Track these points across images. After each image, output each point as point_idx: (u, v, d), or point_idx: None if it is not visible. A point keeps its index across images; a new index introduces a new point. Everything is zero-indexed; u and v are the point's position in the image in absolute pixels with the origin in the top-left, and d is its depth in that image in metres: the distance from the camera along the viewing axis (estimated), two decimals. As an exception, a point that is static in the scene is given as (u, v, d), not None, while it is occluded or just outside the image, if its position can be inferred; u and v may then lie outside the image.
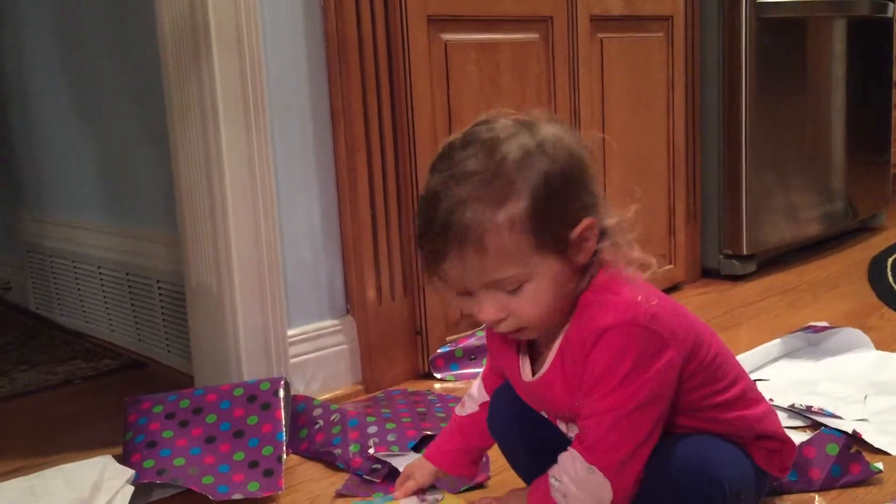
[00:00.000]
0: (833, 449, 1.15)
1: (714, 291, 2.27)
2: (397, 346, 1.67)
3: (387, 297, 1.64)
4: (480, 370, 1.13)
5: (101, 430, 1.47)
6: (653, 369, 0.86)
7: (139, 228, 1.91)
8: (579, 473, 0.88)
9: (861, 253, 2.59)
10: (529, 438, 1.05)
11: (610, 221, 0.89)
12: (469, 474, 1.13)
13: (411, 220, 1.65)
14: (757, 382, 1.50)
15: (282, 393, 1.35)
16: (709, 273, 2.40)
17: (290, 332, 1.55)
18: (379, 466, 1.25)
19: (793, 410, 1.36)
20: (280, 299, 1.52)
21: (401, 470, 1.17)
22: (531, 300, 0.87)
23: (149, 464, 1.25)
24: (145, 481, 1.22)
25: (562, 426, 0.99)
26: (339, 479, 1.26)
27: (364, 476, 1.25)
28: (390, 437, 1.31)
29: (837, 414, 1.33)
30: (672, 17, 2.19)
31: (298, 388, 1.55)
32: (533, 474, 1.05)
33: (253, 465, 1.26)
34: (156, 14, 1.47)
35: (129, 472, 1.21)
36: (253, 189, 1.46)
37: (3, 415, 1.64)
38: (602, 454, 0.87)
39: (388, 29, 1.59)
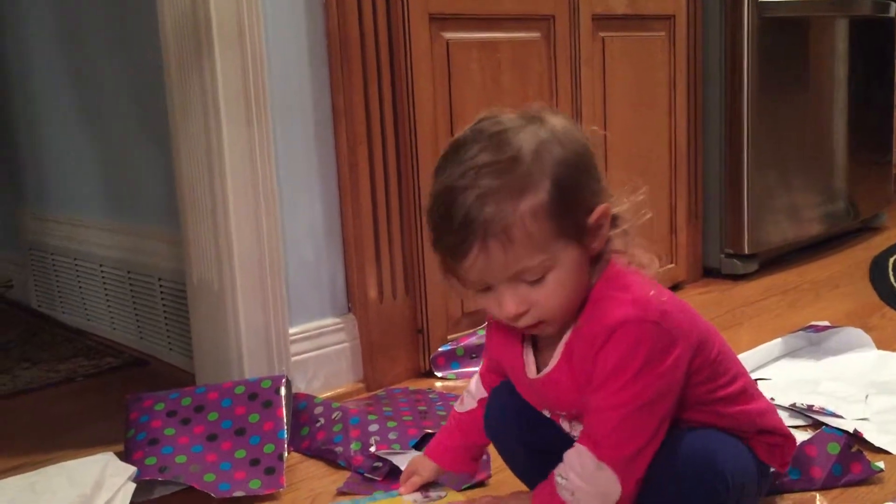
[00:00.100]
0: (834, 448, 1.15)
1: (715, 291, 2.27)
2: (398, 344, 1.67)
3: (388, 296, 1.64)
4: (481, 368, 1.13)
5: (102, 427, 1.47)
6: (663, 366, 0.86)
7: (141, 226, 1.91)
8: (587, 469, 0.88)
9: (862, 253, 2.59)
10: (527, 438, 1.04)
11: (621, 208, 0.90)
12: (469, 471, 1.14)
13: (413, 219, 1.65)
14: (758, 382, 1.50)
15: (283, 391, 1.35)
16: (710, 272, 2.40)
17: (291, 331, 1.55)
18: (380, 464, 1.25)
19: (794, 410, 1.36)
20: (281, 297, 1.52)
21: (402, 468, 1.17)
22: (553, 290, 0.87)
23: (150, 461, 1.25)
24: (147, 479, 1.22)
25: (565, 425, 0.99)
26: (340, 477, 1.27)
27: (365, 474, 1.25)
28: (391, 436, 1.31)
29: (838, 413, 1.33)
30: (674, 16, 2.19)
31: (300, 387, 1.55)
32: (532, 474, 1.05)
33: (254, 462, 1.26)
34: (158, 12, 1.47)
35: (131, 470, 1.22)
36: (254, 187, 1.46)
37: (4, 412, 1.64)
38: (611, 450, 0.87)
39: (389, 27, 1.59)
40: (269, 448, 1.28)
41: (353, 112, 1.56)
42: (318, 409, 1.40)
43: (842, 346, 1.65)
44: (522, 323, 0.89)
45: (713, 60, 2.31)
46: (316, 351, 1.59)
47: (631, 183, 0.91)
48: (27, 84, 2.24)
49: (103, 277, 2.05)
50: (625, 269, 0.91)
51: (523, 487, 1.11)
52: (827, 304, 2.06)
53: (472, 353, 1.70)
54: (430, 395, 1.55)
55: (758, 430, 0.97)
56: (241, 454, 1.28)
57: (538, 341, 0.96)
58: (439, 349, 1.69)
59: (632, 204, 0.91)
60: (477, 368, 1.37)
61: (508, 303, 0.87)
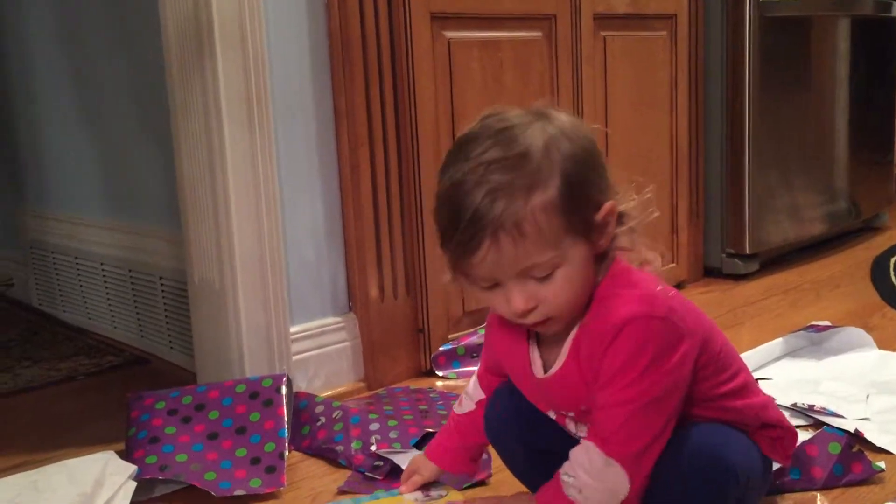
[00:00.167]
0: (835, 448, 1.15)
1: (716, 290, 2.27)
2: (399, 343, 1.67)
3: (389, 295, 1.65)
4: (481, 368, 1.13)
5: (103, 426, 1.47)
6: (671, 362, 0.86)
7: (142, 225, 1.91)
8: (596, 466, 0.88)
9: (864, 253, 2.59)
10: (528, 440, 1.04)
11: (627, 206, 0.90)
12: (469, 471, 1.14)
13: (414, 219, 1.65)
14: (759, 381, 1.50)
15: (284, 390, 1.35)
16: (711, 272, 2.39)
17: (292, 330, 1.55)
18: (381, 463, 1.25)
19: (795, 409, 1.36)
20: (283, 296, 1.52)
21: (403, 467, 1.17)
22: (562, 287, 0.86)
23: (151, 460, 1.25)
24: (147, 477, 1.22)
25: (570, 425, 0.98)
26: (340, 476, 1.27)
27: (366, 473, 1.25)
28: (392, 435, 1.31)
29: (839, 413, 1.33)
30: (676, 15, 2.19)
31: (301, 385, 1.55)
32: (533, 476, 1.05)
33: (255, 461, 1.26)
34: (160, 13, 1.47)
35: (132, 468, 1.22)
36: (256, 187, 1.46)
37: (5, 411, 1.64)
38: (620, 446, 0.87)
39: (391, 27, 1.59)
40: (269, 447, 1.28)
41: (355, 112, 1.56)
42: (319, 408, 1.40)
43: (843, 346, 1.64)
44: (530, 320, 0.88)
45: (715, 60, 2.31)
46: (317, 350, 1.59)
47: (637, 181, 0.91)
48: (28, 83, 2.24)
49: (104, 276, 2.05)
50: (628, 267, 0.91)
51: (524, 487, 1.11)
52: (828, 304, 2.06)
53: (472, 353, 1.70)
54: (431, 395, 1.55)
55: (761, 423, 0.97)
56: (241, 453, 1.28)
57: (542, 341, 0.96)
58: (440, 348, 1.69)
59: (638, 201, 0.91)
60: (477, 368, 1.37)
61: (517, 299, 0.86)
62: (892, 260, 2.45)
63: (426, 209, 1.65)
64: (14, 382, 1.78)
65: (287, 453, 1.29)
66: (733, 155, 2.32)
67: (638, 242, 0.91)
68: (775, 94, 2.35)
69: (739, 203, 2.33)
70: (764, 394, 1.01)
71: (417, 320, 1.69)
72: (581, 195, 0.86)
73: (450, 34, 1.68)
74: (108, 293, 2.05)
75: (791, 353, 1.66)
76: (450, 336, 1.72)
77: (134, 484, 1.19)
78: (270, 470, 1.25)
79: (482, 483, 1.21)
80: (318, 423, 1.38)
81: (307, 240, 1.58)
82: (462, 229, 0.84)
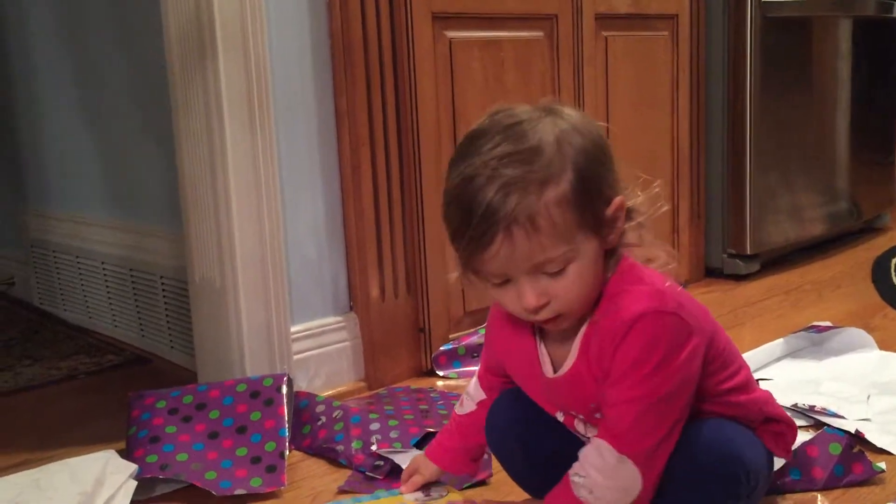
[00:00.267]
0: (836, 448, 1.15)
1: (717, 291, 2.26)
2: (400, 343, 1.67)
3: (390, 295, 1.65)
4: (482, 368, 1.13)
5: (104, 425, 1.47)
6: (682, 356, 0.86)
7: (143, 224, 1.91)
8: (608, 464, 0.87)
9: (865, 253, 2.58)
10: (531, 448, 1.04)
11: (635, 201, 0.90)
12: (469, 471, 1.14)
13: (415, 219, 1.65)
14: (760, 382, 1.50)
15: (285, 389, 1.35)
16: (712, 272, 2.39)
17: (293, 329, 1.55)
18: (381, 463, 1.25)
19: (796, 410, 1.36)
20: (283, 296, 1.52)
21: (403, 467, 1.17)
22: (573, 282, 0.86)
23: (152, 459, 1.25)
24: (148, 476, 1.22)
25: (579, 426, 0.98)
26: (341, 476, 1.27)
27: (366, 473, 1.25)
28: (393, 434, 1.31)
29: (840, 414, 1.33)
30: (677, 15, 2.19)
31: (301, 385, 1.55)
32: (535, 484, 1.05)
33: (255, 460, 1.26)
34: (161, 13, 1.47)
35: (132, 467, 1.22)
36: (257, 186, 1.46)
37: (6, 409, 1.64)
38: (632, 443, 0.87)
39: (392, 26, 1.59)
40: (270, 446, 1.28)
41: (356, 111, 1.56)
42: (320, 408, 1.40)
43: (844, 347, 1.64)
44: (541, 316, 0.88)
45: (716, 60, 2.31)
46: (317, 349, 1.59)
47: (643, 178, 0.91)
48: (29, 83, 2.24)
49: (105, 275, 2.05)
50: (636, 263, 0.91)
51: (524, 488, 1.11)
52: (829, 305, 2.06)
53: (473, 353, 1.70)
54: (432, 394, 1.55)
55: (764, 417, 0.98)
56: (242, 452, 1.28)
57: (547, 339, 0.95)
58: (441, 348, 1.69)
59: (646, 197, 0.90)
60: (478, 367, 1.37)
61: (529, 295, 0.86)
62: (893, 261, 2.45)
63: (427, 209, 1.65)
64: (15, 381, 1.78)
65: (287, 452, 1.29)
66: (734, 155, 2.32)
67: (646, 238, 0.90)
68: (777, 95, 2.35)
69: (740, 203, 2.33)
70: (762, 389, 1.01)
71: (418, 320, 1.69)
72: (593, 189, 0.85)
73: (451, 34, 1.68)
74: (108, 292, 2.05)
75: (792, 353, 1.66)
76: (451, 336, 1.72)
77: (134, 483, 1.19)
78: (271, 469, 1.25)
79: (483, 483, 1.21)
80: (319, 423, 1.38)
81: (308, 239, 1.58)
82: (475, 224, 0.83)
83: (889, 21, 2.80)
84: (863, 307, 2.02)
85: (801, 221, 2.51)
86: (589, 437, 0.96)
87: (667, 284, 0.89)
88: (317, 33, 1.55)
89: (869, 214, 2.84)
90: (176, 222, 1.63)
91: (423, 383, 1.64)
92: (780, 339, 1.67)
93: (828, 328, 1.70)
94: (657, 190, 0.91)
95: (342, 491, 1.22)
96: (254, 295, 1.48)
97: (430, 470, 1.11)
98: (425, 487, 1.12)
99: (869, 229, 2.90)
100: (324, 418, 1.38)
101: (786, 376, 1.55)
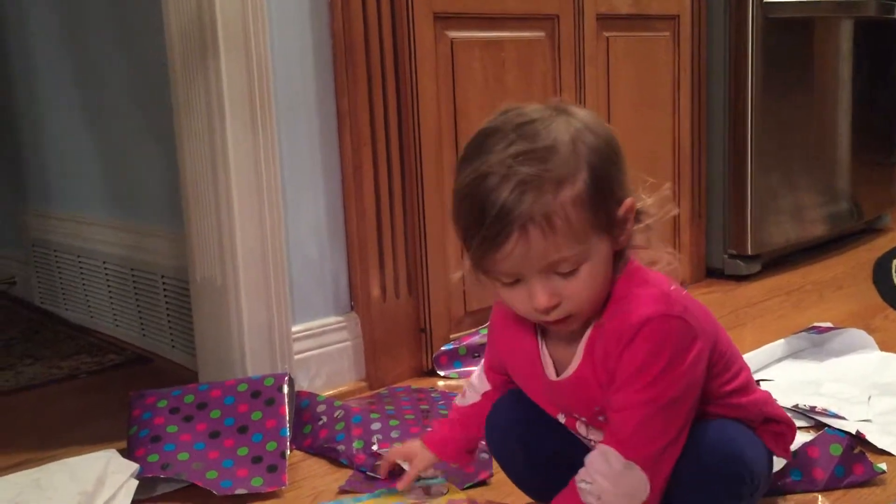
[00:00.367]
0: (836, 449, 1.15)
1: (718, 291, 2.26)
2: (401, 343, 1.67)
3: (391, 295, 1.65)
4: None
5: (105, 424, 1.47)
6: (687, 361, 0.86)
7: (144, 224, 1.91)
8: (615, 470, 0.87)
9: (866, 254, 2.58)
10: (531, 450, 1.03)
11: (644, 203, 0.89)
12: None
13: (416, 219, 1.65)
14: (761, 383, 1.50)
15: (286, 389, 1.35)
16: (713, 273, 2.39)
17: (294, 329, 1.55)
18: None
19: (796, 411, 1.36)
20: (285, 296, 1.52)
21: (404, 467, 1.17)
22: (585, 283, 0.85)
23: (153, 458, 1.25)
24: (149, 476, 1.22)
25: (581, 428, 0.97)
26: (342, 476, 1.27)
27: (367, 473, 1.25)
28: (394, 434, 1.31)
29: (841, 415, 1.33)
30: (679, 16, 2.19)
31: (302, 385, 1.55)
32: (536, 487, 1.05)
33: (257, 460, 1.27)
34: (163, 13, 1.47)
35: (134, 467, 1.22)
36: (258, 185, 1.47)
37: (8, 409, 1.64)
38: (638, 448, 0.86)
39: (394, 26, 1.59)
40: (271, 446, 1.28)
41: (358, 111, 1.56)
42: (321, 408, 1.41)
43: (844, 348, 1.64)
44: (552, 317, 0.87)
45: (717, 60, 2.31)
46: (319, 349, 1.59)
47: (653, 180, 0.90)
48: (30, 82, 2.24)
49: (106, 275, 2.05)
50: (641, 265, 0.91)
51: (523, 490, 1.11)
52: (830, 306, 2.06)
53: (474, 353, 1.70)
54: (433, 394, 1.55)
55: (765, 418, 0.98)
56: (243, 452, 1.28)
57: (550, 341, 0.95)
58: (442, 348, 1.69)
59: (656, 199, 0.90)
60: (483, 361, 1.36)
61: (540, 295, 0.85)
62: (894, 262, 2.45)
63: (428, 209, 1.65)
64: (16, 380, 1.78)
65: (288, 452, 1.29)
66: (736, 156, 2.32)
67: (653, 241, 0.90)
68: (778, 95, 2.35)
69: (741, 204, 2.33)
70: (761, 390, 1.01)
71: (419, 320, 1.69)
72: (606, 189, 0.85)
73: (452, 34, 1.68)
74: (110, 291, 2.05)
75: (793, 354, 1.66)
76: (452, 336, 1.72)
77: (136, 482, 1.20)
78: (272, 469, 1.25)
79: (483, 483, 1.21)
80: (320, 423, 1.38)
81: (309, 239, 1.58)
82: (489, 223, 0.82)
83: (890, 22, 2.79)
84: (864, 308, 2.02)
85: (802, 222, 2.50)
86: (591, 440, 0.96)
87: (672, 287, 0.89)
88: (318, 33, 1.55)
89: (870, 215, 2.84)
90: (177, 222, 1.63)
91: (424, 383, 1.64)
92: (781, 340, 1.67)
93: (829, 329, 1.70)
94: (667, 193, 0.90)
95: (343, 491, 1.22)
96: (255, 294, 1.48)
97: (425, 459, 1.10)
98: (425, 486, 1.12)
99: (870, 230, 2.90)
100: (325, 418, 1.38)
101: (787, 377, 1.55)
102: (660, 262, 0.91)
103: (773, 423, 0.99)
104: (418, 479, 1.17)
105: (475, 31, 1.73)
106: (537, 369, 0.96)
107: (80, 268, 2.15)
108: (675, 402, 0.86)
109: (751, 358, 1.57)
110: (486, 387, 1.09)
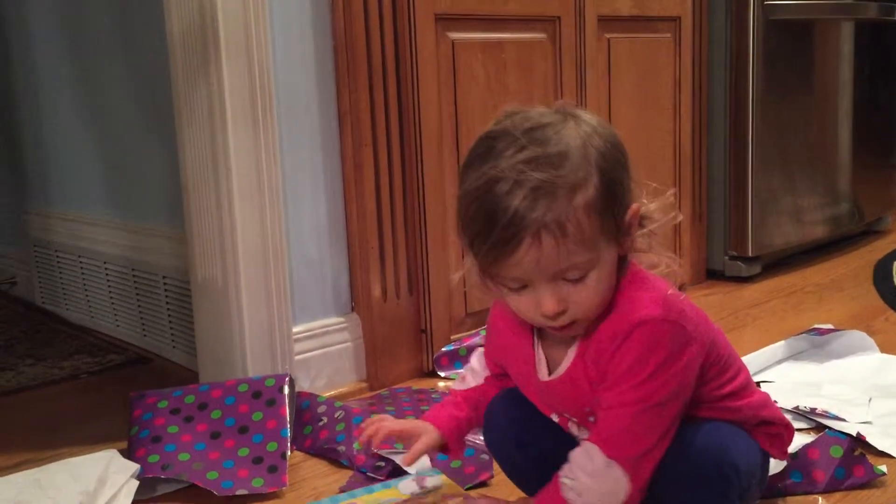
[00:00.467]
0: (837, 451, 1.15)
1: (719, 293, 2.26)
2: (402, 344, 1.67)
3: (392, 296, 1.65)
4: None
5: (105, 424, 1.47)
6: (678, 365, 0.86)
7: (145, 224, 1.91)
8: (597, 467, 0.87)
9: (867, 256, 2.58)
10: (528, 448, 1.03)
11: (648, 208, 0.89)
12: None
13: (417, 220, 1.65)
14: (761, 384, 1.50)
15: (286, 389, 1.35)
16: (714, 274, 2.39)
17: (295, 329, 1.55)
18: (383, 464, 1.25)
19: (797, 412, 1.36)
20: (285, 296, 1.52)
21: (405, 468, 1.17)
22: (593, 289, 0.85)
23: (153, 459, 1.25)
24: (150, 476, 1.22)
25: (573, 428, 0.98)
26: (342, 476, 1.27)
27: (368, 473, 1.25)
28: (394, 435, 1.31)
29: (841, 416, 1.33)
30: (680, 18, 2.19)
31: (303, 385, 1.55)
32: (533, 484, 1.04)
33: (257, 461, 1.27)
34: (164, 14, 1.47)
35: (134, 467, 1.22)
36: (259, 186, 1.47)
37: (8, 409, 1.64)
38: (622, 448, 0.87)
39: (395, 27, 1.59)
40: (272, 446, 1.28)
41: (359, 112, 1.56)
42: (321, 408, 1.41)
43: (845, 350, 1.64)
44: (558, 322, 0.87)
45: (718, 62, 2.31)
46: (319, 350, 1.59)
47: (656, 185, 0.90)
48: (32, 82, 2.24)
49: (107, 275, 2.05)
50: (639, 270, 0.91)
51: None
52: (830, 308, 2.06)
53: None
54: (433, 395, 1.55)
55: (760, 420, 0.98)
56: (244, 452, 1.28)
57: (546, 342, 0.95)
58: (442, 349, 1.69)
59: (660, 204, 0.90)
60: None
61: (548, 301, 0.85)
62: (895, 264, 2.45)
63: (429, 210, 1.65)
64: (17, 380, 1.79)
65: (289, 453, 1.29)
66: (736, 157, 2.32)
67: (655, 245, 0.90)
68: (779, 97, 2.35)
69: (742, 205, 2.33)
70: (760, 391, 1.01)
71: (420, 321, 1.69)
72: (615, 195, 0.85)
73: (454, 35, 1.68)
74: (110, 292, 2.05)
75: (793, 356, 1.66)
76: (452, 337, 1.72)
77: (136, 483, 1.20)
78: (272, 470, 1.25)
79: (483, 484, 1.21)
80: (321, 423, 1.38)
81: (310, 240, 1.58)
82: (499, 229, 0.81)
83: (891, 24, 2.80)
84: (864, 310, 2.02)
85: (803, 224, 2.51)
86: (583, 439, 0.96)
87: (670, 292, 0.89)
88: (320, 34, 1.55)
89: (870, 217, 2.84)
90: (178, 222, 1.63)
91: (425, 384, 1.65)
92: (782, 342, 1.67)
93: (829, 331, 1.70)
94: (671, 199, 0.90)
95: (343, 491, 1.22)
96: (256, 295, 1.48)
97: (432, 438, 1.03)
98: (420, 479, 1.11)
99: (870, 232, 2.90)
100: (325, 419, 1.38)
101: (787, 379, 1.55)
102: (660, 266, 0.91)
103: (770, 425, 0.99)
104: (397, 468, 1.17)
105: (476, 33, 1.73)
106: (531, 369, 0.96)
107: (81, 268, 2.15)
108: (663, 404, 0.86)
109: (751, 360, 1.57)
110: (488, 371, 1.08)
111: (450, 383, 1.65)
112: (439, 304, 1.69)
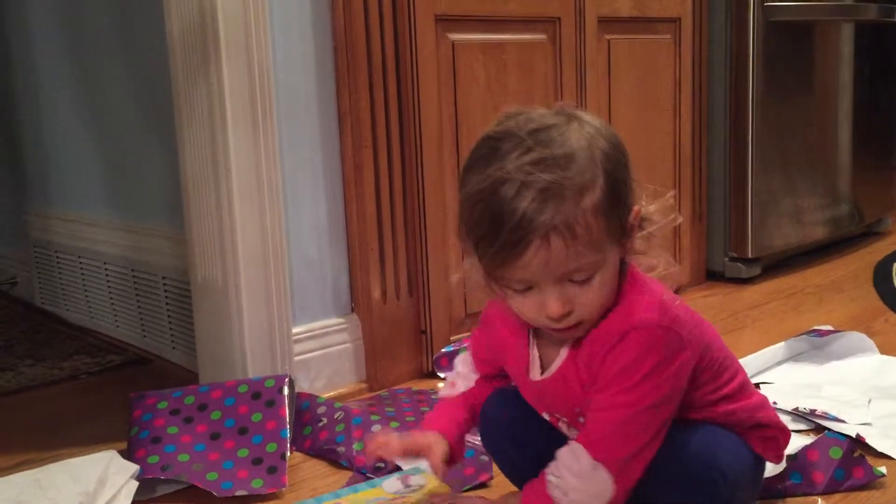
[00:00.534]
0: (836, 453, 1.15)
1: (719, 294, 2.26)
2: (402, 344, 1.67)
3: (392, 297, 1.65)
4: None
5: (105, 425, 1.47)
6: (670, 370, 0.86)
7: (145, 224, 1.91)
8: (584, 469, 0.87)
9: (866, 257, 2.58)
10: (525, 446, 1.03)
11: (648, 209, 0.89)
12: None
13: (417, 221, 1.65)
14: (761, 385, 1.50)
15: (286, 390, 1.35)
16: (713, 275, 2.39)
17: (294, 330, 1.55)
18: (383, 465, 1.25)
19: (797, 414, 1.36)
20: (285, 297, 1.52)
21: (405, 468, 1.16)
22: (597, 291, 0.85)
23: (153, 459, 1.25)
24: (149, 477, 1.22)
25: (563, 428, 0.98)
26: (342, 477, 1.27)
27: (367, 474, 1.25)
28: (394, 436, 1.31)
29: (841, 418, 1.33)
30: (680, 19, 2.19)
31: (303, 386, 1.55)
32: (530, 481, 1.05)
33: (257, 461, 1.27)
34: (164, 14, 1.47)
35: (134, 468, 1.22)
36: (259, 187, 1.47)
37: (8, 409, 1.64)
38: (608, 451, 0.87)
39: (395, 28, 1.59)
40: (271, 447, 1.28)
41: (359, 113, 1.56)
42: (321, 409, 1.41)
43: (845, 351, 1.64)
44: (563, 324, 0.87)
45: (718, 63, 2.31)
46: (319, 350, 1.59)
47: (657, 188, 0.90)
48: (32, 82, 2.24)
49: (107, 275, 2.05)
50: (637, 273, 0.91)
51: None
52: (830, 309, 2.06)
53: (474, 355, 1.70)
54: (433, 396, 1.55)
55: (755, 423, 0.98)
56: (243, 453, 1.28)
57: (541, 341, 0.95)
58: (442, 350, 1.69)
59: (660, 206, 0.90)
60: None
61: (554, 303, 0.84)
62: (895, 265, 2.45)
63: (429, 211, 1.65)
64: (16, 381, 1.78)
65: (289, 454, 1.29)
66: (736, 158, 2.32)
67: (654, 247, 0.90)
68: (779, 98, 2.35)
69: (742, 207, 2.33)
70: (759, 393, 1.01)
71: (420, 322, 1.69)
72: (619, 196, 0.85)
73: (454, 36, 1.68)
74: (110, 292, 2.05)
75: (793, 357, 1.66)
76: (452, 338, 1.72)
77: (136, 483, 1.20)
78: (272, 470, 1.25)
79: (483, 485, 1.21)
80: (320, 424, 1.38)
81: (310, 240, 1.58)
82: (507, 231, 0.81)
83: (891, 25, 2.79)
84: (864, 311, 2.02)
85: (803, 225, 2.51)
86: (573, 437, 0.97)
87: (665, 297, 0.89)
88: (320, 34, 1.55)
89: (870, 218, 2.84)
90: (178, 222, 1.63)
91: (425, 385, 1.64)
92: (782, 343, 1.67)
93: (829, 332, 1.70)
94: (670, 202, 0.90)
95: (343, 492, 1.22)
96: (255, 296, 1.48)
97: (442, 448, 1.01)
98: (404, 477, 1.11)
99: (871, 233, 2.90)
100: (325, 419, 1.38)
101: (787, 380, 1.55)
102: (657, 268, 0.91)
103: (765, 429, 0.99)
104: (397, 469, 1.17)
105: (476, 34, 1.73)
106: (525, 368, 0.96)
107: (81, 268, 2.15)
108: (651, 409, 0.86)
109: (751, 361, 1.57)
110: (477, 374, 1.08)
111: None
112: (439, 305, 1.69)
